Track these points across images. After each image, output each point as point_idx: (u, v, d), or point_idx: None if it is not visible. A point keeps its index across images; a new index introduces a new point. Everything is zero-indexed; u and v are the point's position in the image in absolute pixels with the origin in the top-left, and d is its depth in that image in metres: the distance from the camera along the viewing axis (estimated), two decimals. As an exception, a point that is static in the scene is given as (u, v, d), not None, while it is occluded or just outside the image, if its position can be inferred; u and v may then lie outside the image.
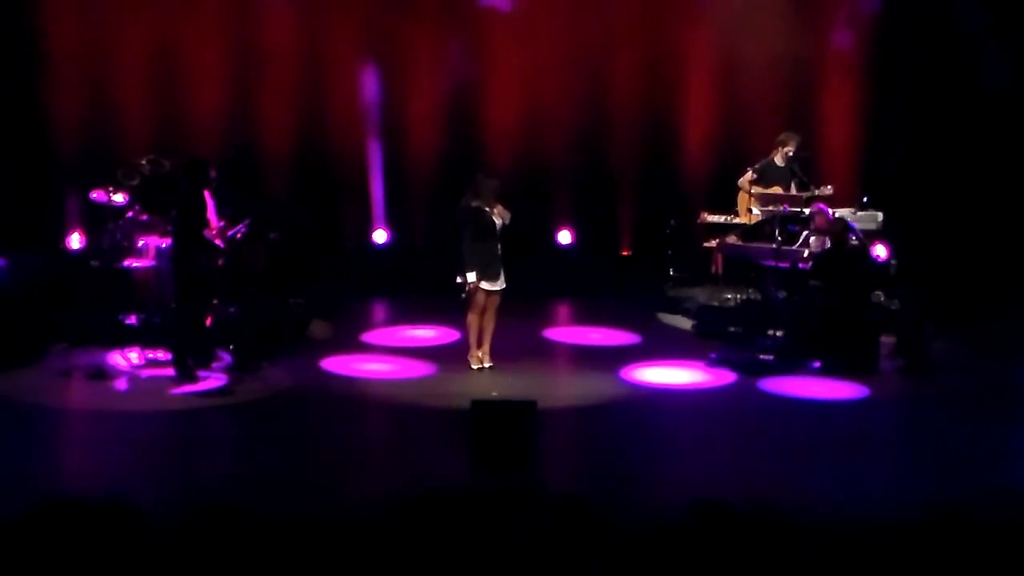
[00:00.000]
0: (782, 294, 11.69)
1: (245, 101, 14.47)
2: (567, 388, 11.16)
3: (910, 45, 13.93)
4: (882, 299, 11.52)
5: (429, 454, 9.01)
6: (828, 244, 11.71)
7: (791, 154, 12.94)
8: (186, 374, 10.60)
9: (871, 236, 12.22)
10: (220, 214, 10.95)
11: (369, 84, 14.74)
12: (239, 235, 11.18)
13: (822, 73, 14.53)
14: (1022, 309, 12.43)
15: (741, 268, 12.46)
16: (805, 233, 11.99)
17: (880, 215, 12.41)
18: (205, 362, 10.86)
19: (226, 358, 10.97)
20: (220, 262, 11.00)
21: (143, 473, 8.56)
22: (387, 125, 14.77)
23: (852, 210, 12.47)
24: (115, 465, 8.79)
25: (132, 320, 11.44)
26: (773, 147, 13.07)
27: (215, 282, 11.04)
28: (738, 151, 14.01)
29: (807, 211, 12.21)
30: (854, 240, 11.73)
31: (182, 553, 5.07)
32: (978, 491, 7.87)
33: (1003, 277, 12.75)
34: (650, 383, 11.04)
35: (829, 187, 12.70)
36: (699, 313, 12.79)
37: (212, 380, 10.73)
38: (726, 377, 11.11)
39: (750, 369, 11.22)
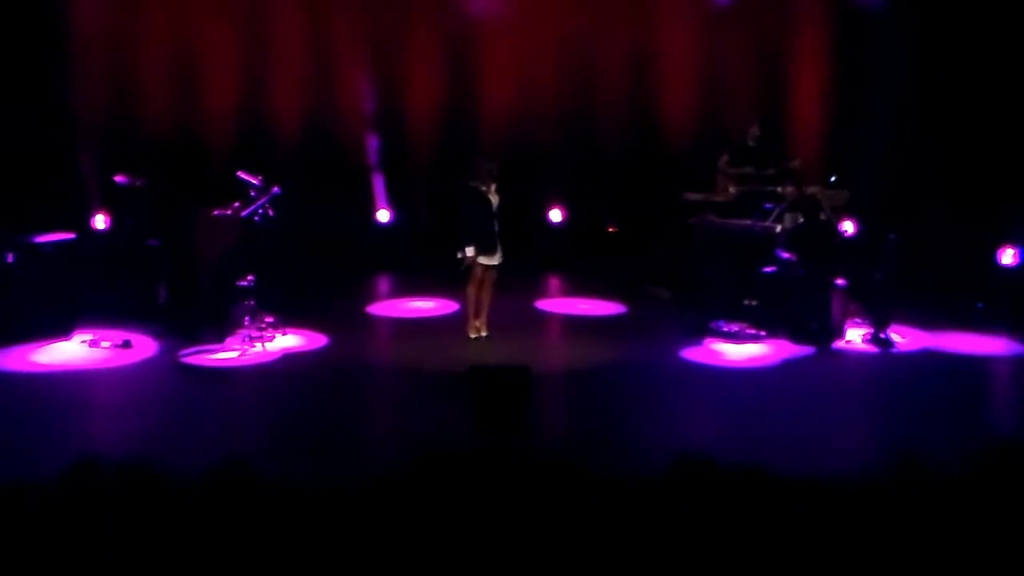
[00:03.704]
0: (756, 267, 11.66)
1: (257, 90, 14.42)
2: (558, 355, 11.18)
3: (877, 30, 13.87)
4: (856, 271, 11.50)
5: (431, 415, 9.00)
6: (800, 220, 11.72)
7: (758, 135, 12.92)
8: (208, 340, 10.63)
9: (839, 213, 12.19)
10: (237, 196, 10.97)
11: (372, 75, 14.69)
12: (262, 211, 11.07)
13: (794, 57, 14.48)
14: (980, 283, 12.44)
15: (720, 242, 12.42)
16: (777, 209, 11.97)
17: (847, 193, 12.38)
18: (224, 331, 10.86)
19: (243, 327, 10.93)
20: (236, 237, 11.01)
21: (165, 433, 8.55)
22: (389, 112, 14.74)
23: (821, 188, 12.43)
24: (139, 426, 8.79)
25: (155, 294, 11.44)
26: (746, 131, 13.08)
27: (235, 257, 11.05)
28: (717, 134, 13.99)
29: (779, 189, 12.19)
30: (823, 216, 11.72)
31: (202, 509, 5.07)
32: (936, 444, 7.92)
33: (968, 251, 12.73)
34: (636, 349, 11.02)
35: (797, 160, 12.65)
36: (680, 285, 12.78)
37: (231, 347, 10.73)
38: (704, 343, 11.12)
39: (726, 336, 11.23)
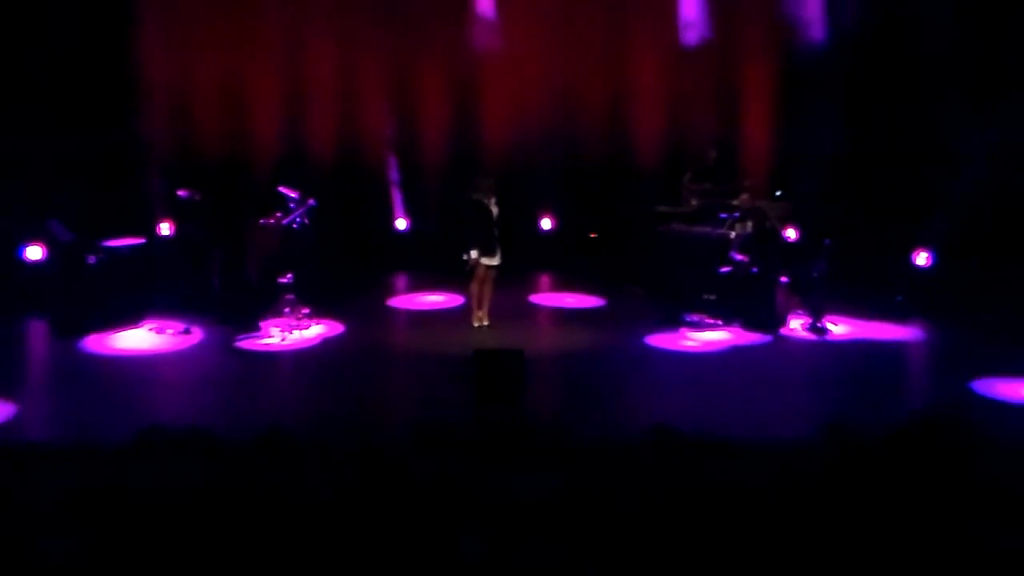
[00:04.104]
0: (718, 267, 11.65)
1: (296, 119, 14.40)
2: (547, 340, 11.17)
3: (816, 70, 13.89)
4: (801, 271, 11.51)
5: (441, 391, 9.02)
6: (749, 228, 11.72)
7: (715, 156, 12.94)
8: (251, 328, 10.65)
9: (783, 221, 12.18)
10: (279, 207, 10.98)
11: (392, 106, 14.66)
12: (300, 220, 11.08)
13: (747, 91, 14.45)
14: (899, 281, 12.45)
15: (683, 246, 12.40)
16: (731, 218, 11.95)
17: (790, 205, 12.37)
18: (266, 319, 10.88)
19: (284, 316, 10.93)
20: (278, 242, 11.03)
21: (219, 406, 8.59)
22: (406, 136, 14.71)
23: (768, 201, 12.41)
24: (197, 400, 8.82)
25: (211, 289, 11.45)
26: (705, 153, 13.11)
27: (277, 258, 11.03)
28: (680, 155, 13.98)
29: (734, 202, 12.17)
30: (769, 224, 11.72)
31: (250, 466, 5.09)
32: (861, 415, 7.89)
33: (889, 254, 12.75)
34: (613, 336, 11.00)
35: (747, 183, 12.60)
36: (651, 282, 12.77)
37: (273, 334, 10.73)
38: (673, 331, 11.10)
39: (692, 325, 11.23)
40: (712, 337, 10.97)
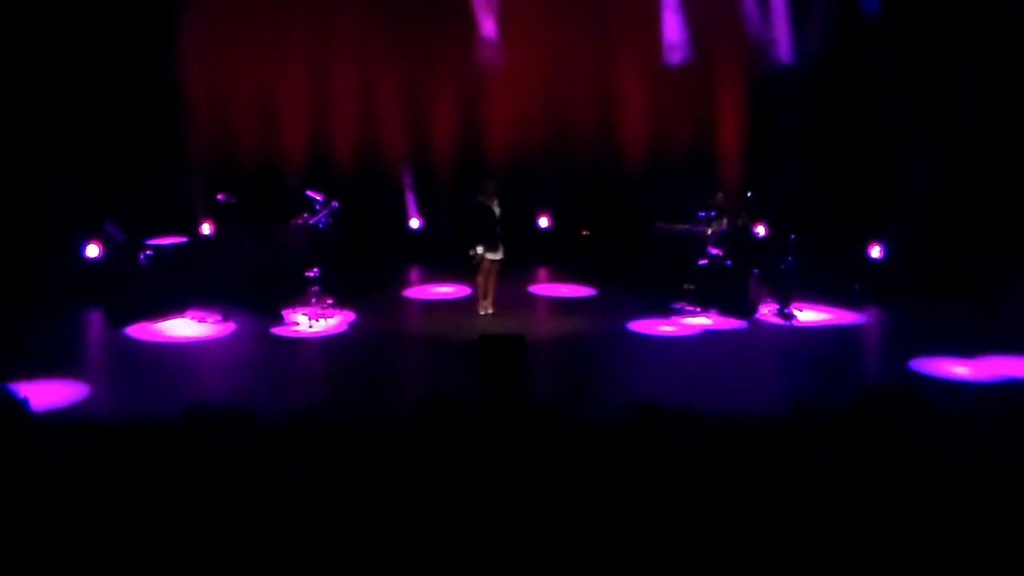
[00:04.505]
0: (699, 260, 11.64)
1: (321, 130, 14.36)
2: (546, 326, 11.14)
3: (783, 86, 13.89)
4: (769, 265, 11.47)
5: (451, 372, 9.04)
6: (724, 225, 11.72)
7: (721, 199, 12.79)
8: (278, 318, 10.68)
9: (753, 219, 12.19)
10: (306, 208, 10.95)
11: (406, 117, 14.61)
12: (324, 220, 11.04)
13: (721, 106, 14.41)
14: (856, 271, 12.45)
15: (666, 242, 12.38)
16: (708, 217, 11.92)
17: (760, 204, 12.34)
18: (288, 310, 10.88)
19: (311, 306, 10.92)
20: (306, 240, 11.04)
21: (256, 386, 8.61)
22: (418, 145, 14.67)
23: (739, 201, 12.37)
24: (236, 381, 8.85)
25: (246, 282, 11.45)
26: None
27: (305, 254, 11.01)
28: (662, 161, 14.03)
29: (709, 202, 12.10)
30: (742, 222, 11.72)
31: (284, 444, 5.07)
32: (822, 390, 8.00)
33: (846, 247, 12.75)
34: (603, 323, 10.99)
35: (720, 193, 12.48)
36: (638, 274, 12.76)
37: (299, 321, 10.72)
38: (658, 317, 11.08)
39: (673, 312, 11.22)
40: (692, 323, 10.96)
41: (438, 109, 14.61)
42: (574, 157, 14.65)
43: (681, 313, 11.20)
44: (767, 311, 11.30)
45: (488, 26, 14.49)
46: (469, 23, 14.38)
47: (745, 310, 11.13)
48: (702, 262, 11.47)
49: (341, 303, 11.24)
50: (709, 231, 11.70)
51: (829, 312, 11.42)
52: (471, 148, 14.53)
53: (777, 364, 9.73)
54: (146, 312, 10.79)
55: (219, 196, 11.48)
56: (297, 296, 11.04)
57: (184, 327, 10.70)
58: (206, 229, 13.57)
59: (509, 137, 14.54)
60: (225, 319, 10.80)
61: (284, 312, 10.89)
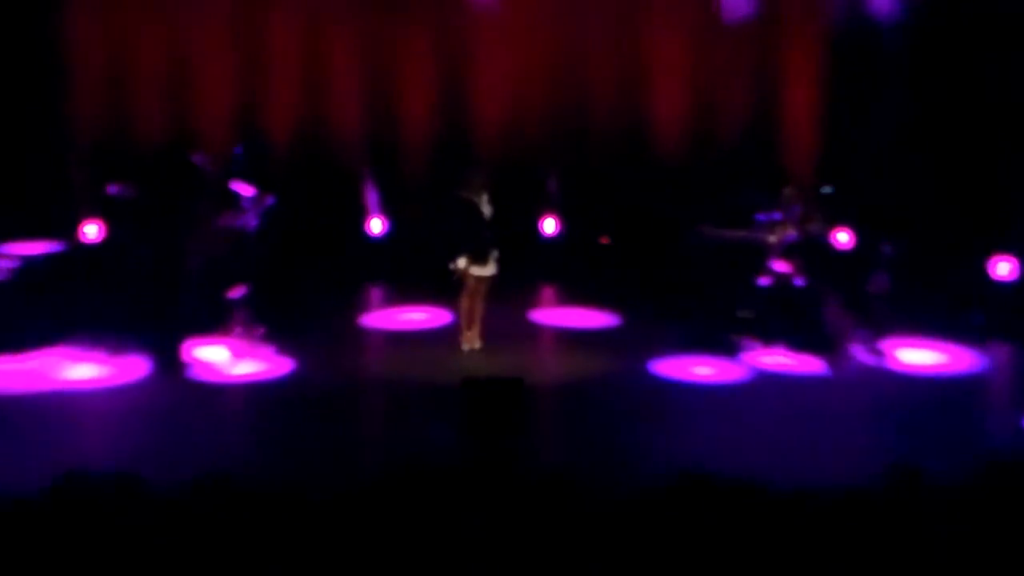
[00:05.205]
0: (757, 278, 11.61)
1: (251, 98, 14.39)
2: (553, 367, 11.17)
3: (873, 47, 13.94)
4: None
5: (422, 429, 9.02)
6: (794, 232, 11.67)
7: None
8: (188, 354, 10.65)
9: (833, 223, 12.17)
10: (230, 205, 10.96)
11: (366, 83, 14.63)
12: (255, 221, 11.06)
13: (789, 72, 14.47)
14: (976, 296, 12.43)
15: (715, 254, 12.36)
16: (771, 220, 11.87)
17: (842, 202, 12.35)
18: (206, 342, 10.86)
19: (234, 338, 10.93)
20: (229, 248, 11.10)
21: (154, 446, 8.60)
22: (382, 119, 14.68)
23: (814, 198, 12.36)
24: (129, 440, 8.81)
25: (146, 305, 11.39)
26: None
27: (227, 268, 11.11)
28: (710, 144, 14.09)
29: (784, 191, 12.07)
30: (817, 228, 11.69)
31: (185, 522, 5.06)
32: (933, 458, 7.74)
33: (962, 262, 12.74)
34: (632, 361, 10.99)
35: (788, 189, 12.49)
36: (677, 296, 12.74)
37: (220, 359, 10.73)
38: (704, 356, 11.07)
39: (725, 349, 11.21)
40: (750, 364, 10.99)
41: (409, 74, 14.66)
42: (590, 140, 14.71)
43: (735, 350, 11.20)
44: (852, 348, 11.28)
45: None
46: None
47: (822, 346, 11.15)
48: (763, 281, 11.53)
49: (276, 335, 11.26)
50: (773, 239, 11.72)
51: (938, 351, 11.44)
52: (453, 127, 14.60)
53: (867, 422, 9.71)
54: (5, 346, 10.70)
55: (110, 188, 11.47)
56: (216, 325, 11.07)
57: (58, 366, 10.63)
58: (92, 232, 13.51)
59: (504, 113, 14.60)
60: (114, 355, 10.74)
61: (197, 346, 10.87)
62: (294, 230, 13.23)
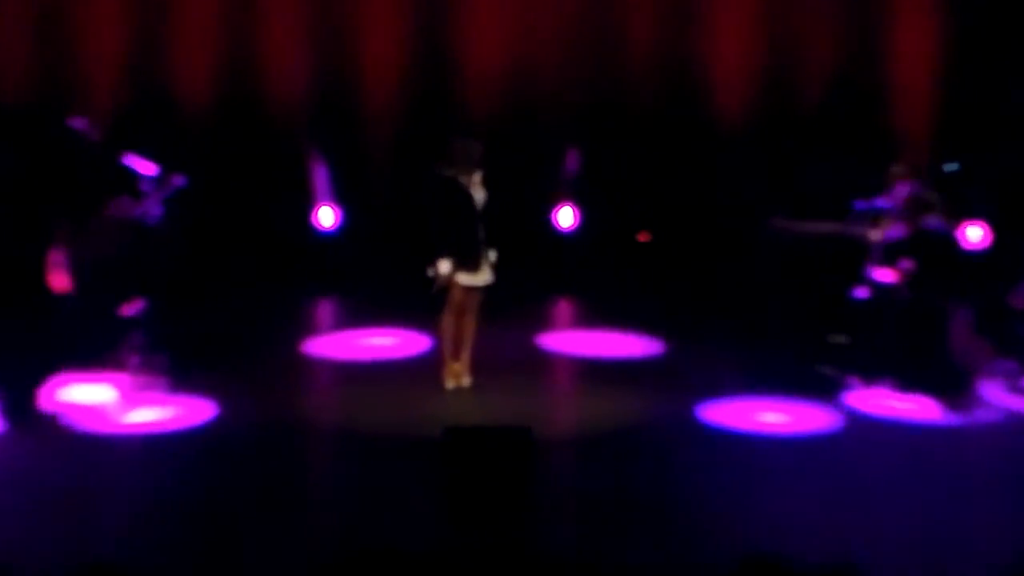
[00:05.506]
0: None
1: (151, 43, 14.57)
2: (568, 412, 11.26)
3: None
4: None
5: (388, 499, 9.04)
6: (903, 227, 11.61)
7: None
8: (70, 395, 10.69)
9: (960, 214, 12.11)
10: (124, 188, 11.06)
11: (312, 23, 14.66)
12: (158, 210, 11.11)
13: (894, 11, 14.55)
14: None
15: (794, 255, 12.37)
16: (873, 210, 11.84)
17: (974, 187, 12.37)
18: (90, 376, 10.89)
19: (128, 371, 10.95)
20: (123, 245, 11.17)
21: (21, 527, 8.56)
22: (334, 72, 14.75)
23: (929, 181, 12.34)
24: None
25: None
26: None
27: (119, 274, 11.15)
28: (789, 117, 14.28)
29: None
30: (936, 221, 11.63)
31: None
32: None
33: None
34: (677, 405, 11.01)
35: (896, 167, 12.52)
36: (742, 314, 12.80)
37: (106, 401, 10.74)
38: (777, 398, 11.11)
39: (809, 386, 11.23)
40: (844, 407, 10.99)
41: (370, 11, 14.61)
42: (621, 103, 14.74)
43: (822, 389, 11.21)
44: (986, 386, 11.27)
45: None
46: None
47: (944, 384, 11.11)
48: (862, 293, 11.57)
49: (187, 367, 11.29)
50: (874, 236, 11.72)
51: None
52: (430, 82, 14.69)
53: (1007, 487, 9.64)
54: None
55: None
56: (103, 353, 11.08)
57: None
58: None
59: (503, 61, 14.69)
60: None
61: (72, 384, 10.83)
62: (212, 222, 13.29)
